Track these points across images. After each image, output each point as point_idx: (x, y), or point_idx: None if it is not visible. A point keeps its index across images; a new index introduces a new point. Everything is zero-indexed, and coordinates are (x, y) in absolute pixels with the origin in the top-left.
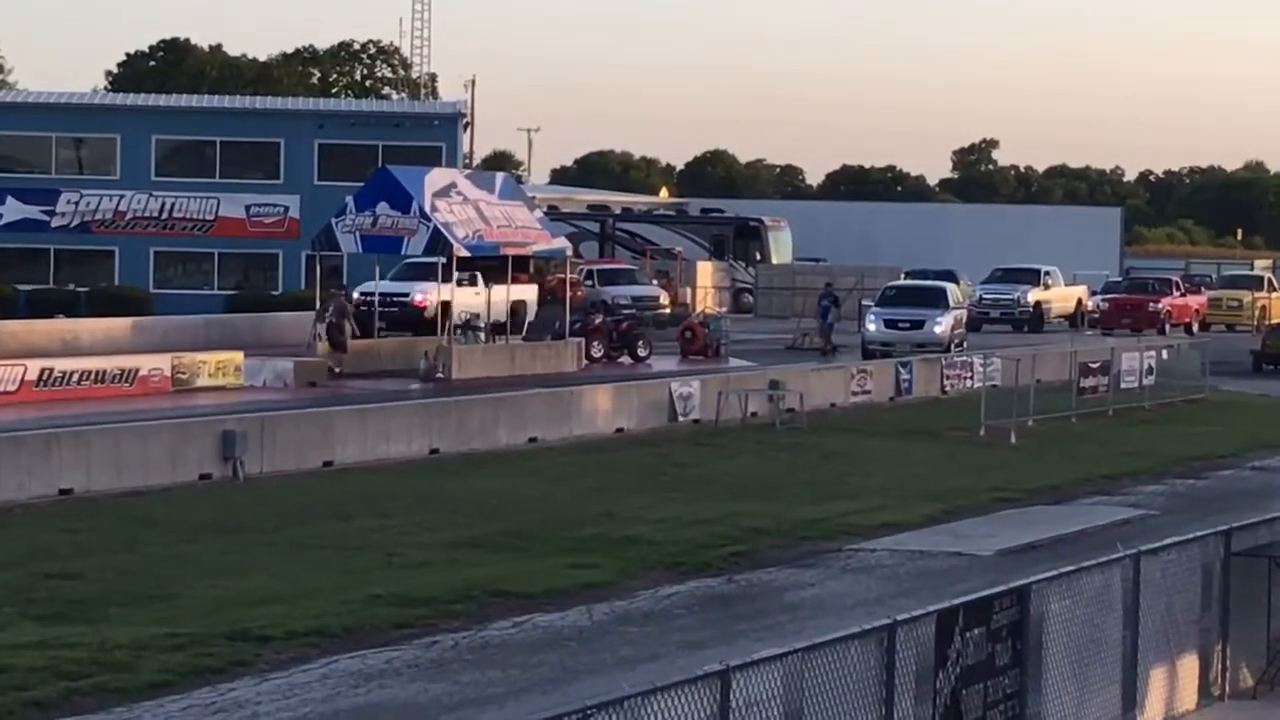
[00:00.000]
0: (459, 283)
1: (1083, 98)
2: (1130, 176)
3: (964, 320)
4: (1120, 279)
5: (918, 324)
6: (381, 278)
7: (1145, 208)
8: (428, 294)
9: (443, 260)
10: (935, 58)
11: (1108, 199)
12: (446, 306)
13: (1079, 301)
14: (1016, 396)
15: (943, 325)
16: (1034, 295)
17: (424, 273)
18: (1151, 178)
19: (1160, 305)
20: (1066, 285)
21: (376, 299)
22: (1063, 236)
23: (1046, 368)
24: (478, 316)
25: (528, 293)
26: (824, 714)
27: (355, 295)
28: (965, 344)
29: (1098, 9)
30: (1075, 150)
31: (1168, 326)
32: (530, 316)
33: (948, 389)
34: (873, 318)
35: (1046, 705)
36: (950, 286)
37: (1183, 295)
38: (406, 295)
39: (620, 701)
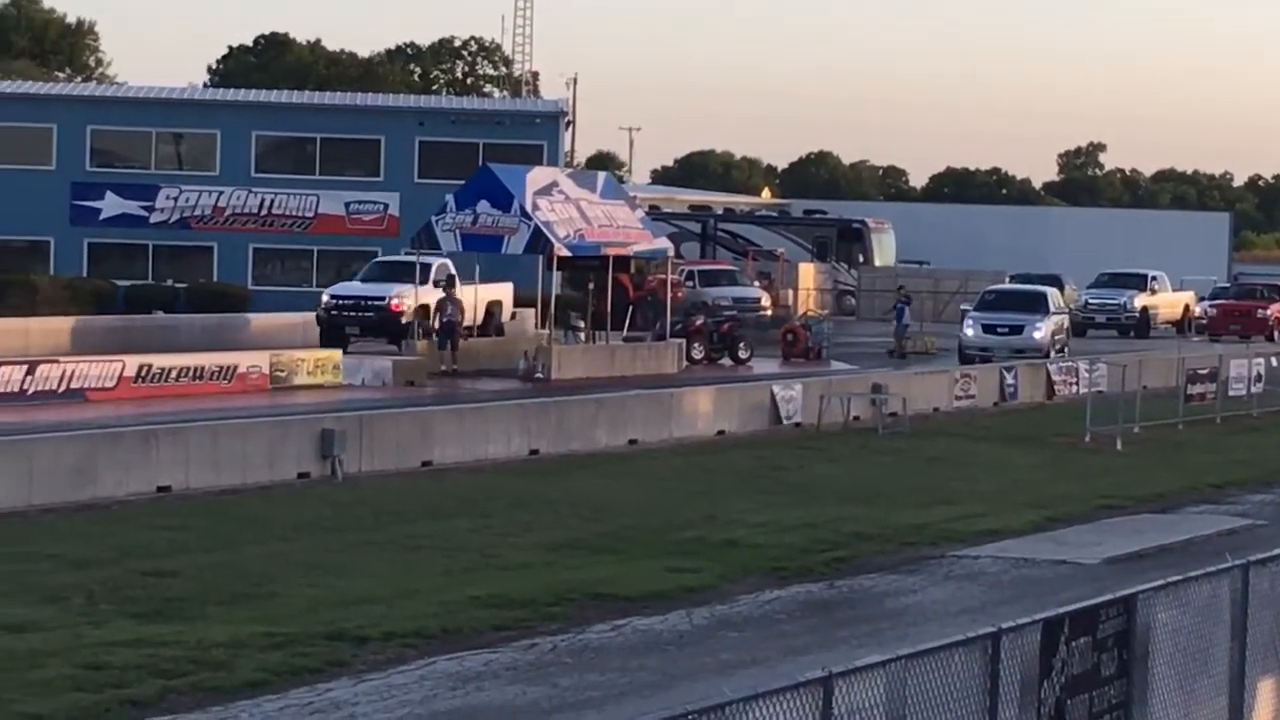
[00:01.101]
0: (435, 284)
1: (1192, 101)
2: (1239, 181)
3: (1066, 326)
4: (1228, 285)
5: (1017, 329)
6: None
7: (1254, 213)
8: (404, 297)
9: (418, 260)
10: (1041, 59)
11: (1216, 204)
12: (424, 310)
13: (1186, 307)
14: (1123, 403)
15: (1043, 331)
16: (1140, 301)
17: (397, 273)
18: (1261, 183)
19: (1269, 312)
20: (1173, 291)
21: (343, 302)
22: (1170, 241)
23: (1153, 374)
24: (579, 315)
25: (503, 292)
26: None
27: (325, 298)
28: (1067, 350)
29: (1208, 12)
30: (1183, 154)
31: (1276, 333)
32: (505, 317)
33: (1053, 394)
34: (971, 322)
35: (1152, 717)
36: (1052, 291)
37: None
38: (382, 299)
39: (721, 707)
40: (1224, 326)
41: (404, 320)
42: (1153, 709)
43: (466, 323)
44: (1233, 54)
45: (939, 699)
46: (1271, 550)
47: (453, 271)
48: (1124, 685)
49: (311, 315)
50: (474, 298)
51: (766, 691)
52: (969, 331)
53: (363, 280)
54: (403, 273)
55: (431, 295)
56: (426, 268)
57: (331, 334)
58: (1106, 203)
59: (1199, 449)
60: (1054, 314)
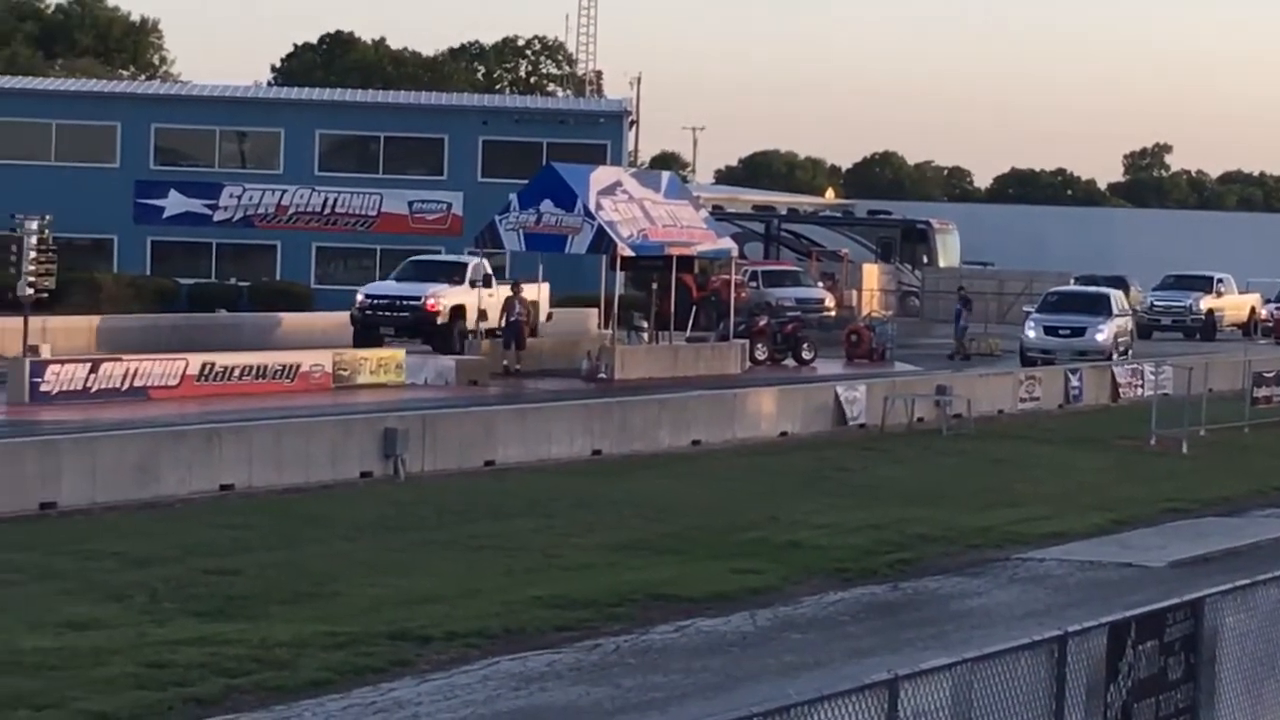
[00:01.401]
0: (471, 284)
1: (1260, 102)
2: None
3: (1130, 328)
4: None
5: (1079, 331)
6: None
7: None
8: (440, 297)
9: (452, 258)
10: (1106, 59)
11: None
12: (459, 310)
13: (1252, 310)
14: (1188, 405)
15: (1105, 333)
16: (1206, 303)
17: (433, 273)
18: None
19: None
20: (1239, 293)
21: (378, 301)
22: (1236, 244)
23: (1219, 376)
24: (642, 316)
25: (539, 293)
26: None
27: (360, 297)
28: (1131, 352)
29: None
30: (1251, 156)
31: None
32: (541, 317)
33: (1118, 396)
34: (1032, 324)
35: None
36: (1115, 293)
37: None
38: (418, 298)
39: (786, 709)
40: None
41: (439, 321)
42: (1220, 713)
43: (498, 324)
44: None
45: (1005, 703)
46: None
47: (489, 271)
48: (1191, 689)
49: None
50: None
51: (832, 694)
52: (1030, 333)
53: (398, 279)
54: (438, 272)
55: (465, 295)
56: (463, 267)
57: (365, 334)
58: (1172, 204)
59: (1265, 452)
60: (1117, 316)
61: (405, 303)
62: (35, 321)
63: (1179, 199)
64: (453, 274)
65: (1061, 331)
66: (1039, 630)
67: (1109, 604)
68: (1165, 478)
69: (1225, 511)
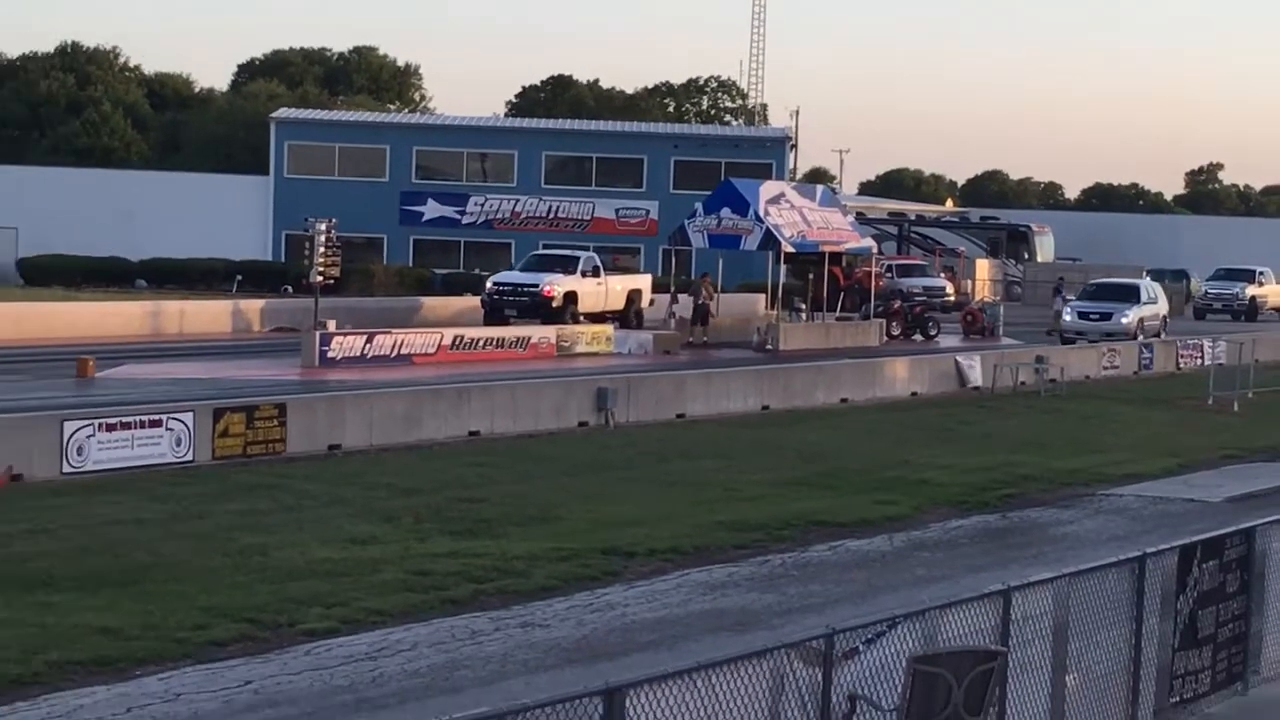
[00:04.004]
0: (582, 274)
1: None
2: None
3: (1161, 314)
4: None
5: (1106, 316)
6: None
7: None
8: (555, 284)
9: (567, 252)
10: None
11: None
12: (572, 296)
13: None
14: (1239, 373)
15: (1129, 318)
16: (1250, 291)
17: (551, 265)
18: None
19: None
20: (1278, 283)
21: (503, 288)
22: (1277, 244)
23: (1264, 349)
24: (801, 300)
25: (642, 282)
26: (1086, 627)
27: (489, 284)
28: (1163, 334)
29: None
30: None
31: None
32: (643, 304)
33: (1182, 366)
34: (1069, 310)
35: (1267, 626)
36: (1147, 284)
37: None
38: (536, 286)
39: (922, 613)
40: None
41: (554, 305)
42: (1268, 619)
43: (610, 308)
44: None
45: (1096, 609)
46: None
47: (598, 263)
48: (1244, 600)
49: None
50: (613, 286)
51: (958, 600)
52: (1067, 317)
53: (521, 270)
54: (555, 264)
55: (578, 284)
56: (575, 260)
57: (493, 315)
58: (1225, 212)
59: None
60: (1144, 303)
61: (526, 289)
62: (324, 302)
63: (1230, 208)
64: (567, 265)
65: (1092, 316)
66: (1121, 552)
67: (1176, 531)
68: (1221, 431)
69: (1270, 457)
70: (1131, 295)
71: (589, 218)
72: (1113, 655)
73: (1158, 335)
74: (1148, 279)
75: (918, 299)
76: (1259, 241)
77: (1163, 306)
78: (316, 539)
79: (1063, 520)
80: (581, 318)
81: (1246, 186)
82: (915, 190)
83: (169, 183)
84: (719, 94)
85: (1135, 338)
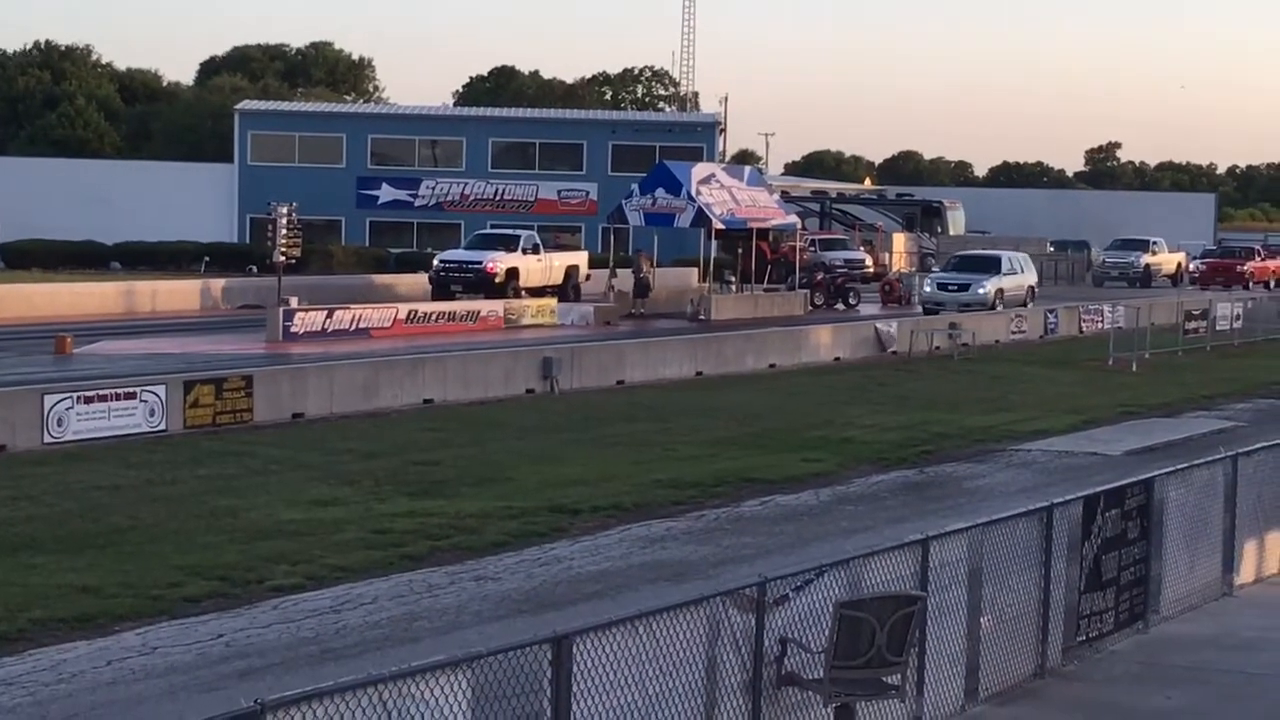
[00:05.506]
0: (523, 251)
1: (1188, 106)
2: (1222, 170)
3: (1025, 284)
4: (1214, 248)
5: (964, 287)
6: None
7: (1233, 194)
8: (497, 261)
9: (508, 231)
10: (1069, 74)
11: (1204, 187)
12: (514, 272)
13: (1179, 264)
14: (1136, 336)
15: (986, 288)
16: (1145, 259)
17: (494, 243)
18: (1238, 170)
19: (1246, 267)
20: (1170, 252)
21: (449, 265)
22: (1169, 215)
23: (1159, 314)
24: (731, 273)
25: (580, 259)
26: (999, 573)
27: (436, 261)
28: (1029, 303)
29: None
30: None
31: (1251, 284)
32: (581, 279)
33: (1084, 330)
34: (929, 282)
35: (1165, 568)
36: (1010, 256)
37: (1263, 260)
38: (479, 263)
39: (847, 562)
40: (1211, 279)
41: (497, 281)
42: (1166, 563)
43: (550, 283)
44: (1223, 64)
45: (1007, 556)
46: (1253, 445)
47: (538, 241)
48: (1145, 545)
49: None
50: (552, 262)
51: (880, 549)
52: (927, 288)
53: (466, 248)
54: (497, 242)
55: (518, 260)
56: (516, 238)
57: (440, 290)
58: (1122, 187)
59: (1194, 370)
60: (1005, 275)
61: (470, 266)
62: (287, 280)
63: (1127, 183)
64: (509, 244)
65: (950, 287)
66: (1031, 502)
67: (1081, 483)
68: (1120, 389)
69: (1166, 414)
70: (992, 267)
71: (533, 199)
72: (1024, 598)
73: (1023, 305)
74: (1016, 251)
75: (839, 271)
76: (1154, 214)
77: (1029, 278)
78: (283, 501)
79: (976, 474)
80: (523, 292)
81: (1142, 163)
82: (836, 170)
83: (140, 171)
84: (653, 83)
85: (993, 308)
